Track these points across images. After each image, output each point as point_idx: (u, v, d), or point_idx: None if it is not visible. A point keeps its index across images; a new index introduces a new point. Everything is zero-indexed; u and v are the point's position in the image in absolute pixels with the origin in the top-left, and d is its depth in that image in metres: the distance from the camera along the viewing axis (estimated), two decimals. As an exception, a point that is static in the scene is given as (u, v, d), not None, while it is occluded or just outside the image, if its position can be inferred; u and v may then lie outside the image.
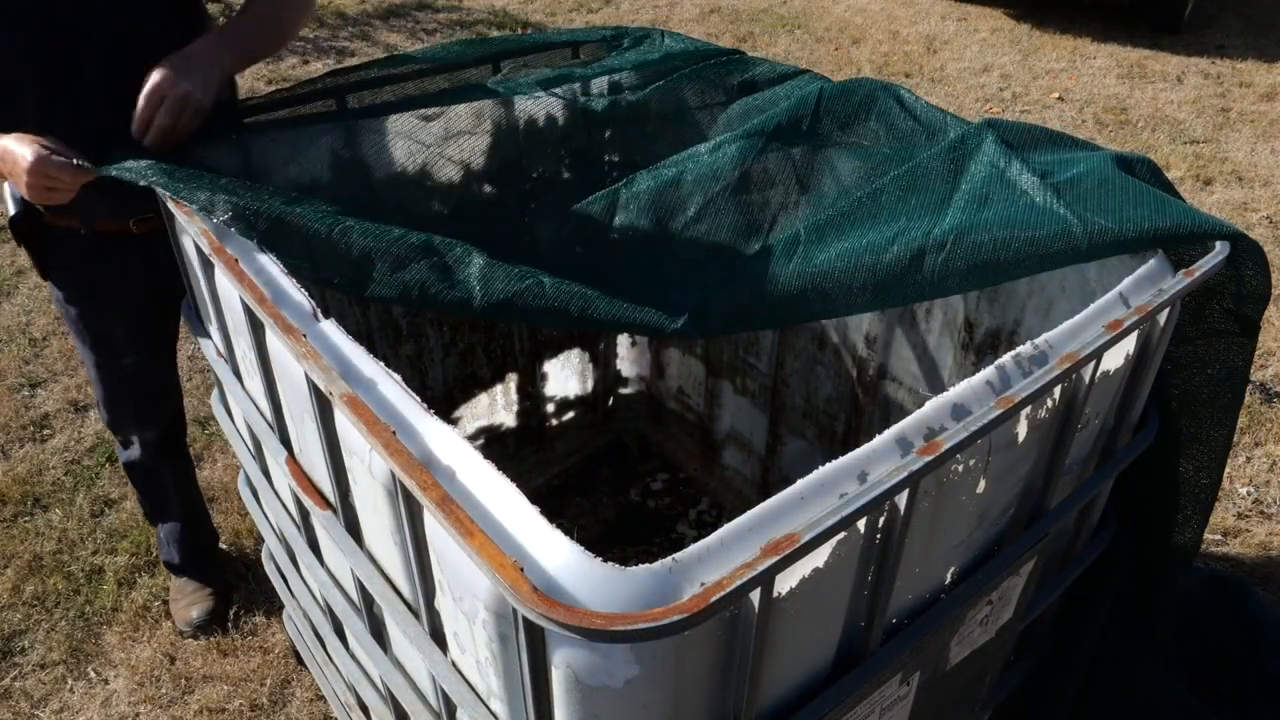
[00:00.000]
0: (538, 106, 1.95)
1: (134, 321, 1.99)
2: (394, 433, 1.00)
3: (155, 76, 1.51)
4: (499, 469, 0.98)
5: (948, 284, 1.32)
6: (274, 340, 1.30)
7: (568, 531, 0.91)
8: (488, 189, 2.04)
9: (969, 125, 1.58)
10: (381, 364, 1.14)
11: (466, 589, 0.99)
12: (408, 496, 1.02)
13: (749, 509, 0.94)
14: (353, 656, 1.66)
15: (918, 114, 1.67)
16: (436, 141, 1.90)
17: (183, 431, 2.32)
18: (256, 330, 1.33)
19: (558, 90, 1.91)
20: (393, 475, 1.04)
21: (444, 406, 2.46)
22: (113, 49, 1.63)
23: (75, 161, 1.48)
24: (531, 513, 0.93)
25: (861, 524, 1.03)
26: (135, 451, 2.22)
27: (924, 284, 1.32)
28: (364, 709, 1.79)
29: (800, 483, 0.97)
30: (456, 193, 1.99)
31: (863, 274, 1.33)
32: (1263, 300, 1.42)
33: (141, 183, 1.41)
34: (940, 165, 1.49)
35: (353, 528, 1.32)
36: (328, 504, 1.36)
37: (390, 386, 1.11)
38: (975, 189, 1.43)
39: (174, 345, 2.12)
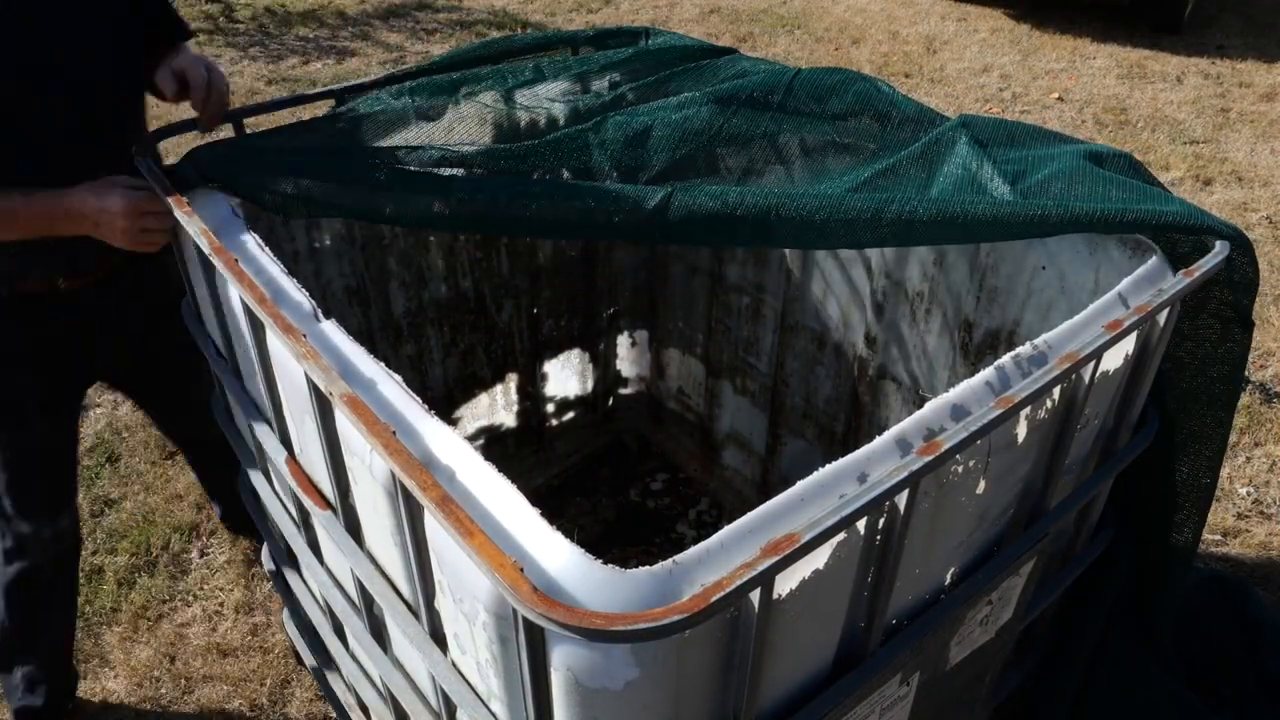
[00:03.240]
0: (528, 101, 1.95)
1: (51, 387, 1.84)
2: (394, 433, 1.00)
3: (200, 70, 1.62)
4: (499, 469, 0.99)
5: (923, 225, 1.30)
6: (274, 340, 1.30)
7: (568, 532, 0.91)
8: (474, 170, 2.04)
9: (944, 122, 1.57)
10: (381, 364, 1.15)
11: (467, 590, 0.99)
12: (408, 497, 1.02)
13: (749, 509, 0.94)
14: (353, 656, 1.66)
15: (895, 102, 1.66)
16: (421, 140, 1.90)
17: (79, 525, 2.05)
18: (256, 330, 1.33)
19: (548, 87, 1.91)
20: (393, 475, 1.04)
21: (444, 407, 2.47)
22: (72, 95, 1.59)
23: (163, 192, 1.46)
24: (531, 514, 0.93)
25: (861, 525, 1.03)
26: (29, 558, 1.93)
27: (893, 224, 1.30)
28: (364, 709, 1.80)
29: (800, 484, 0.97)
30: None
31: (830, 203, 1.33)
32: (1252, 289, 1.42)
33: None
34: (913, 170, 1.48)
35: (353, 528, 1.32)
36: (328, 504, 1.36)
37: (390, 387, 1.11)
38: (946, 192, 1.43)
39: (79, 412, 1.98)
